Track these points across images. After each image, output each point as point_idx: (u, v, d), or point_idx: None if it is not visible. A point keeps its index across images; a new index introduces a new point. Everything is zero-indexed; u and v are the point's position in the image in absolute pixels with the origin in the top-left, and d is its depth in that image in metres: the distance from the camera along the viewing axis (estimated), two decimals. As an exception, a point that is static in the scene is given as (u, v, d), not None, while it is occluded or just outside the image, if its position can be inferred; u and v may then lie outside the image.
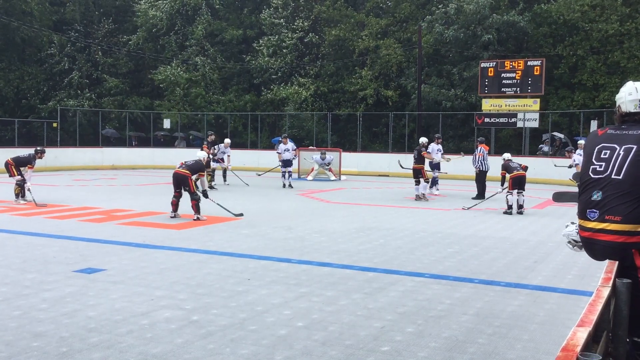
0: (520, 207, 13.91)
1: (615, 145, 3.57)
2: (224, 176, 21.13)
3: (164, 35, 38.20)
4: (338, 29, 35.38)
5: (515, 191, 13.88)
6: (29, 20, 36.55)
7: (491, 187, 16.13)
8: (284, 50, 36.38)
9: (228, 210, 12.73)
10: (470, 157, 18.44)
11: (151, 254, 8.60)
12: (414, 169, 16.73)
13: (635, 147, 3.49)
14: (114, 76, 38.33)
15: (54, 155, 28.77)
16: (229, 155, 20.97)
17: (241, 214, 12.62)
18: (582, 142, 17.90)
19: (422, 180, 16.56)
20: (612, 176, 3.50)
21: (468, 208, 14.70)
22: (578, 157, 16.18)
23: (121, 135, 36.50)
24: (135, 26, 38.91)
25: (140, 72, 40.17)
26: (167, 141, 37.39)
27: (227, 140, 21.42)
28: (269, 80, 36.61)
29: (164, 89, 37.61)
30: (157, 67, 37.88)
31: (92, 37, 39.25)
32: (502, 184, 14.96)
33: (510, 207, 13.94)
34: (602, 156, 3.60)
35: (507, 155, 15.23)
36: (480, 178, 17.05)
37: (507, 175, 14.18)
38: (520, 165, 14.63)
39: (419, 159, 16.66)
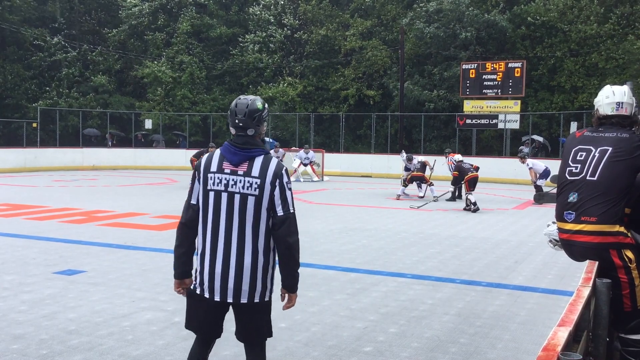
0: (474, 204, 14.50)
1: (591, 147, 3.62)
2: None
3: (148, 30, 37.86)
4: (324, 29, 35.45)
5: (471, 191, 14.86)
6: (11, 17, 35.95)
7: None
8: (271, 46, 36.37)
9: None
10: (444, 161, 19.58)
11: (132, 255, 8.53)
12: (415, 176, 17.73)
13: (610, 149, 3.54)
14: (104, 74, 37.78)
15: (34, 155, 28.49)
16: None
17: None
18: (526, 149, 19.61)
19: (425, 185, 17.70)
20: (587, 177, 3.55)
21: (417, 207, 15.17)
22: (531, 161, 17.34)
23: (102, 133, 36.13)
24: (119, 20, 38.47)
25: (123, 72, 39.80)
26: (147, 142, 37.09)
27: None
28: (256, 80, 36.53)
29: (147, 86, 37.22)
30: (141, 65, 37.54)
31: (78, 33, 38.77)
32: (453, 183, 16.67)
33: (474, 203, 14.46)
34: (578, 158, 3.65)
35: (458, 157, 16.65)
36: (455, 181, 17.62)
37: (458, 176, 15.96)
38: (472, 165, 15.81)
39: (421, 169, 17.87)
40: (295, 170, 24.42)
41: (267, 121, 3.35)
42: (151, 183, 21.99)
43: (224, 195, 3.18)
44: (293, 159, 24.72)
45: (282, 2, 38.00)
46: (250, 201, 3.16)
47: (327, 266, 7.93)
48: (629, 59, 28.09)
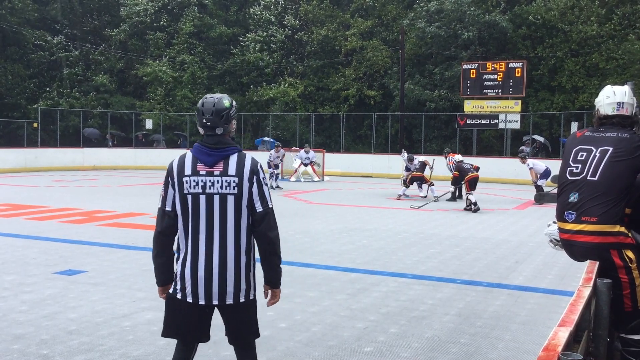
0: (475, 204, 14.49)
1: (592, 147, 3.62)
2: None
3: (150, 29, 37.83)
4: (325, 29, 35.47)
5: (472, 191, 14.86)
6: (12, 19, 35.91)
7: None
8: (272, 46, 36.36)
9: None
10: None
11: (132, 255, 8.53)
12: (415, 177, 17.82)
13: (611, 149, 3.53)
14: (106, 73, 37.70)
15: (34, 155, 28.49)
16: None
17: None
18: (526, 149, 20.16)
19: (426, 185, 17.78)
20: (588, 178, 3.55)
21: (418, 207, 15.17)
22: (532, 161, 17.31)
23: (102, 134, 36.13)
24: (120, 19, 38.49)
25: (124, 72, 39.79)
26: (148, 142, 37.09)
27: None
28: (256, 80, 36.52)
29: (147, 86, 37.19)
30: (142, 64, 37.52)
31: (80, 33, 38.74)
32: (453, 184, 16.65)
33: (475, 203, 14.44)
34: (578, 158, 3.65)
35: (459, 157, 16.63)
36: (455, 181, 17.66)
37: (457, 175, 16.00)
38: (472, 165, 15.76)
39: (421, 169, 17.93)
40: (296, 170, 24.43)
41: (236, 119, 3.29)
42: (152, 183, 21.98)
43: (202, 198, 3.12)
44: (294, 159, 24.73)
45: (283, 3, 38.05)
46: (230, 200, 3.12)
47: (328, 266, 7.92)
48: (630, 59, 28.10)
